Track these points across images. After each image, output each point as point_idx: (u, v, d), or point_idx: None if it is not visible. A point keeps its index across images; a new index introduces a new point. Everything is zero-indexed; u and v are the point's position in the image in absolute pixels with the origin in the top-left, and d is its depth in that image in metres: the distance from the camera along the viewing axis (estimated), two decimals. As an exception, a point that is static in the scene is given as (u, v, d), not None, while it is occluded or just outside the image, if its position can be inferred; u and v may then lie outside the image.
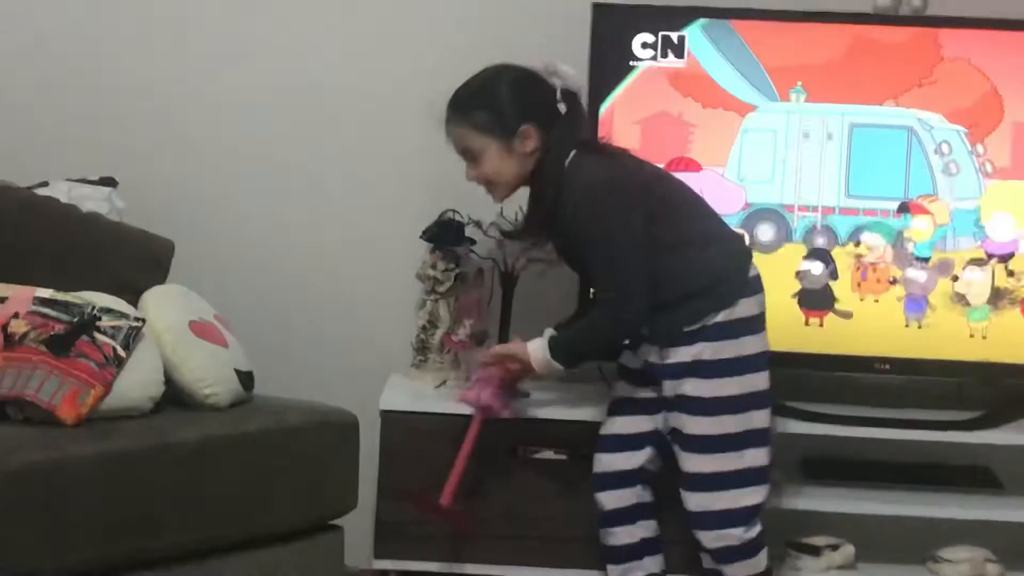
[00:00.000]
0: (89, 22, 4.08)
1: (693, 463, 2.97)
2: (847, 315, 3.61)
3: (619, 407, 3.20)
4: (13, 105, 4.00)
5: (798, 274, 3.59)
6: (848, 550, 3.54)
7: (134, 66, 4.09)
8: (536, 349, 3.00)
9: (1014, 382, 3.67)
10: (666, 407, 3.05)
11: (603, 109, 3.57)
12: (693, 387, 2.96)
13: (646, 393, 3.10)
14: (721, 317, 2.95)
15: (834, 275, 3.59)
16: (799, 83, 3.57)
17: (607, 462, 3.16)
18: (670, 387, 3.01)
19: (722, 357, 2.95)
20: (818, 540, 3.56)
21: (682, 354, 2.96)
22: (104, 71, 4.06)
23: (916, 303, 3.59)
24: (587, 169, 2.98)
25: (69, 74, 4.06)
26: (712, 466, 2.94)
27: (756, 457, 2.98)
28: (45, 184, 3.52)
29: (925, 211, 3.58)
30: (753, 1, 3.69)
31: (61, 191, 3.49)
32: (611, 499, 3.15)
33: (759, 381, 3.01)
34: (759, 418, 3.01)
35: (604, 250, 2.89)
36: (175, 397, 3.11)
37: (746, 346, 2.99)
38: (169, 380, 3.09)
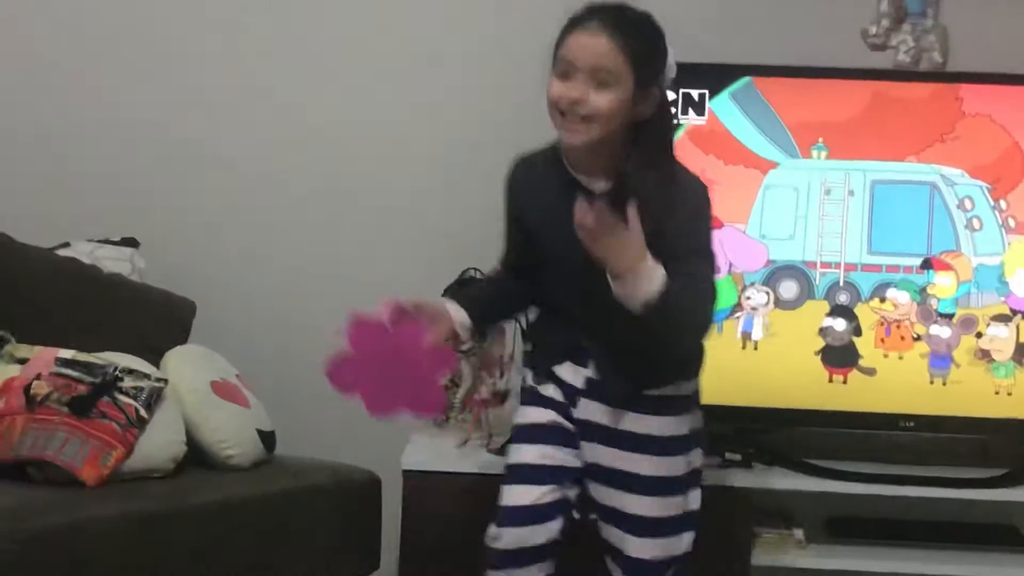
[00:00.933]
0: (110, 84, 4.09)
1: (637, 505, 2.64)
2: (871, 372, 3.60)
3: (535, 433, 2.75)
4: (34, 165, 4.02)
5: (821, 331, 3.58)
6: None
7: (154, 126, 4.07)
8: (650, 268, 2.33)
9: None
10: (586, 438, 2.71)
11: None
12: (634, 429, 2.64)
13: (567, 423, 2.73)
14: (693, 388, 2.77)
15: (857, 332, 3.58)
16: (820, 140, 3.57)
17: (520, 495, 2.71)
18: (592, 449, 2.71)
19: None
20: None
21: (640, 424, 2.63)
22: (124, 132, 4.06)
23: (940, 360, 3.58)
24: (688, 170, 2.65)
25: (88, 134, 4.05)
26: (657, 510, 2.65)
27: (696, 499, 2.74)
28: (67, 245, 3.54)
29: (948, 267, 3.57)
30: (772, 57, 3.72)
31: (83, 252, 3.52)
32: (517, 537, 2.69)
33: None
34: (698, 460, 2.77)
35: (705, 256, 2.47)
36: (197, 457, 3.12)
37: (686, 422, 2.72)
38: (191, 440, 3.10)
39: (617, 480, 2.64)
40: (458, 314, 2.69)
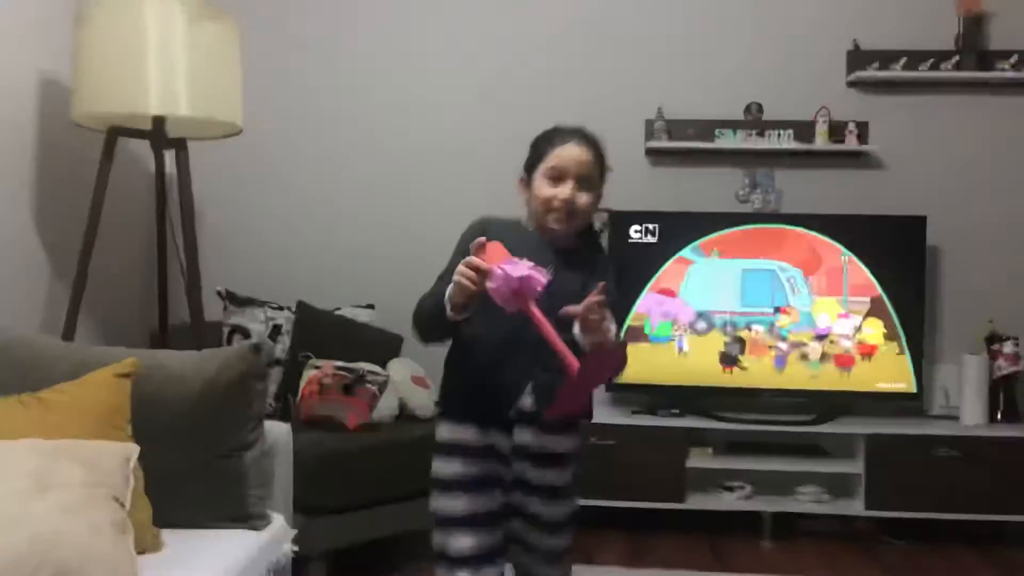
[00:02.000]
0: (360, 182, 3.95)
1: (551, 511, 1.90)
2: (744, 368, 3.76)
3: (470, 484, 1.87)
4: (318, 252, 3.96)
5: (725, 345, 3.76)
6: (749, 490, 3.68)
7: (389, 219, 3.94)
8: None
9: (830, 400, 3.75)
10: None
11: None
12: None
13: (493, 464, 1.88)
14: None
15: (741, 347, 3.80)
16: (715, 249, 3.78)
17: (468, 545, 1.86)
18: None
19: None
20: (732, 483, 3.68)
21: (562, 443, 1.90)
22: (366, 222, 3.95)
23: (781, 360, 3.77)
24: None
25: (352, 227, 3.96)
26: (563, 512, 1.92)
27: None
28: (339, 308, 3.65)
29: (786, 312, 3.78)
30: (690, 204, 3.85)
31: (347, 312, 3.65)
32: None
33: None
34: None
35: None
36: (404, 414, 3.27)
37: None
38: (401, 407, 3.27)
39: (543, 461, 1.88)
40: None
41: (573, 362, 1.56)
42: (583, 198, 1.87)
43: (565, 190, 1.84)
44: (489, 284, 1.62)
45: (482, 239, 1.71)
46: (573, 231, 1.89)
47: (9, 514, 1.54)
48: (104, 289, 3.40)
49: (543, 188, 1.86)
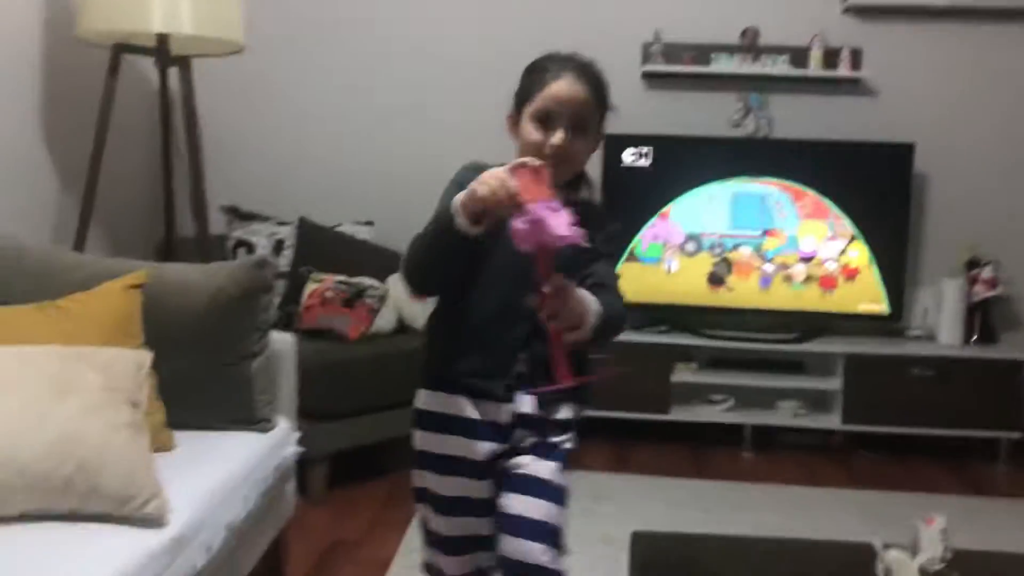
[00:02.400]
0: (364, 106, 4.01)
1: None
2: (730, 288, 3.83)
3: (453, 506, 1.63)
4: (320, 169, 4.01)
5: (714, 265, 3.83)
6: (731, 403, 3.81)
7: (389, 138, 3.99)
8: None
9: (812, 320, 3.86)
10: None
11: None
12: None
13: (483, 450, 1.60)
14: None
15: (728, 268, 3.87)
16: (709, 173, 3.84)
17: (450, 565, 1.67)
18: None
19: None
20: (715, 396, 3.81)
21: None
22: (366, 141, 4.00)
23: (766, 280, 3.86)
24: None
25: (354, 145, 4.00)
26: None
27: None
28: (340, 224, 3.70)
29: (773, 235, 3.85)
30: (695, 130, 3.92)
31: (347, 229, 3.71)
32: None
33: None
34: None
35: (614, 269, 1.64)
36: (402, 326, 3.35)
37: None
38: (399, 319, 3.35)
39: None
40: None
41: (564, 379, 1.37)
42: (577, 145, 1.55)
43: (556, 136, 1.52)
44: (517, 222, 1.34)
45: (528, 159, 1.41)
46: (562, 180, 1.55)
47: (34, 415, 1.65)
48: (112, 203, 3.48)
49: (531, 132, 1.55)
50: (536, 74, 1.57)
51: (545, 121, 1.54)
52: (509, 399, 1.59)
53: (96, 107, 3.03)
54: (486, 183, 1.39)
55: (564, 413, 1.64)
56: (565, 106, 1.53)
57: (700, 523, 2.92)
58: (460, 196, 1.44)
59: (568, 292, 1.39)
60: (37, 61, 3.03)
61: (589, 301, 1.45)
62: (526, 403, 1.60)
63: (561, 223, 1.33)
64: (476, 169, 1.48)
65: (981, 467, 3.67)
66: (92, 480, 1.60)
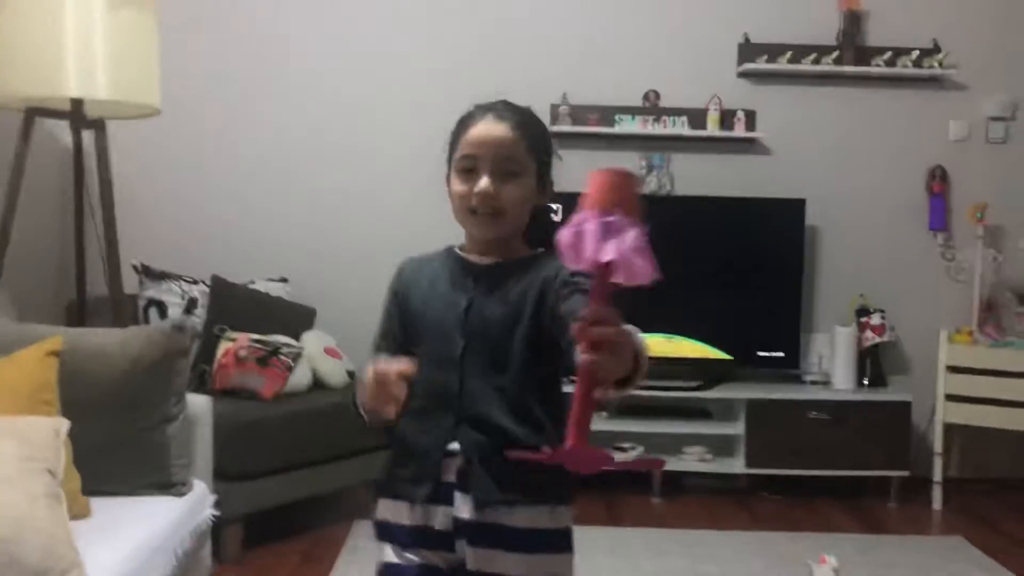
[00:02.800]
0: (272, 158, 4.02)
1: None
2: None
3: None
4: (232, 227, 4.01)
5: None
6: (640, 450, 3.85)
7: (300, 194, 4.01)
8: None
9: (715, 367, 3.97)
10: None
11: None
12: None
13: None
14: None
15: None
16: None
17: None
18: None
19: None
20: (624, 444, 3.84)
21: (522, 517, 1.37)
22: (277, 198, 4.02)
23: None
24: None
25: (266, 202, 4.02)
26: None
27: None
28: (253, 281, 3.69)
29: None
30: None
31: (261, 285, 3.70)
32: None
33: None
34: None
35: None
36: (317, 383, 3.33)
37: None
38: (314, 377, 3.35)
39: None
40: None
41: (570, 439, 1.02)
42: (508, 192, 1.36)
43: (480, 183, 1.36)
44: (562, 230, 1.04)
45: (618, 168, 1.07)
46: (501, 235, 1.40)
47: (-51, 487, 1.65)
48: (21, 265, 3.41)
49: (456, 184, 1.40)
50: (460, 124, 1.44)
51: (469, 171, 1.39)
52: (444, 500, 1.38)
53: (5, 170, 3.00)
54: (365, 382, 1.28)
55: (525, 518, 1.35)
56: (486, 148, 1.38)
57: (614, 570, 3.04)
58: (358, 391, 1.34)
59: (617, 321, 1.01)
60: (-56, 123, 3.00)
61: (638, 339, 1.08)
62: (466, 506, 1.37)
63: (609, 244, 0.99)
64: (400, 267, 1.48)
65: (875, 505, 3.83)
66: (10, 552, 1.61)
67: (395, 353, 1.38)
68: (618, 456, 3.80)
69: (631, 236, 1.00)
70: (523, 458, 1.09)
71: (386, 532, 1.45)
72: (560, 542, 1.40)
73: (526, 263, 1.40)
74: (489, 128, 1.38)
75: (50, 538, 1.67)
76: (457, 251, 1.48)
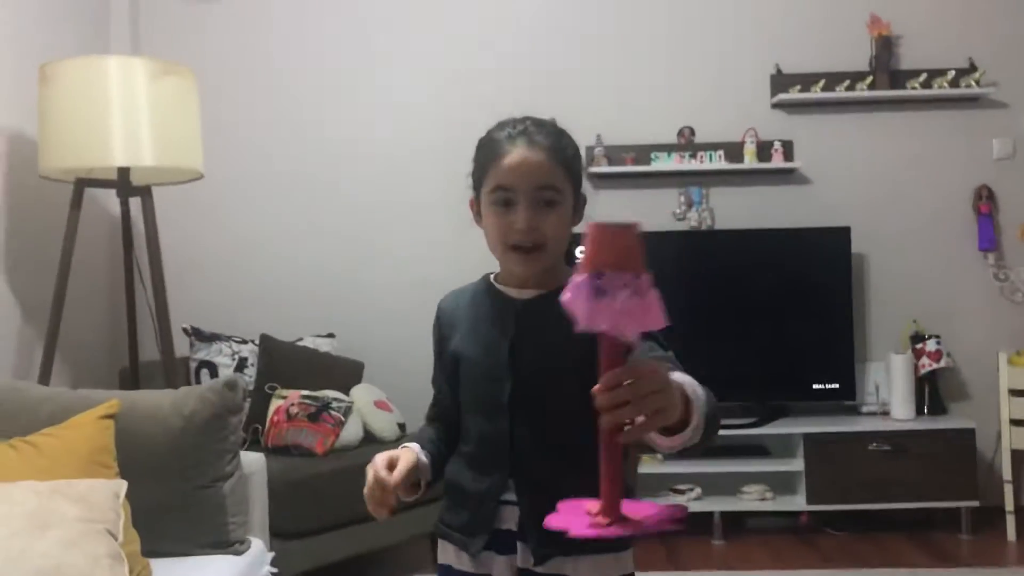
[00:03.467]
0: (318, 227, 4.06)
1: None
2: None
3: None
4: (279, 285, 4.06)
5: None
6: (698, 492, 3.81)
7: (346, 251, 4.06)
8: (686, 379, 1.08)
9: (771, 403, 3.95)
10: None
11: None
12: None
13: None
14: None
15: None
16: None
17: None
18: None
19: None
20: (682, 486, 3.80)
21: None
22: (323, 255, 4.07)
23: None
24: None
25: (312, 259, 4.06)
26: None
27: None
28: (301, 339, 3.75)
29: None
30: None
31: (309, 342, 3.75)
32: None
33: None
34: None
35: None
36: (368, 437, 3.30)
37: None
38: (365, 430, 3.32)
39: None
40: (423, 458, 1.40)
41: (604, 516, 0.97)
42: (550, 222, 1.28)
43: (520, 219, 1.27)
44: (566, 291, 0.98)
45: (629, 222, 1.01)
46: (543, 266, 1.30)
47: (14, 552, 1.67)
48: (75, 333, 3.51)
49: (491, 218, 1.31)
50: (486, 148, 1.34)
51: (505, 204, 1.29)
52: (504, 549, 1.33)
53: (57, 240, 3.09)
54: (368, 474, 1.30)
55: (590, 568, 1.30)
56: (523, 179, 1.28)
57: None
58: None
59: (637, 374, 0.93)
60: (0, 197, 3.11)
61: (687, 384, 1.04)
62: (526, 555, 1.32)
63: (601, 308, 0.94)
64: (449, 309, 1.43)
65: (945, 538, 3.71)
66: (75, 614, 1.61)
67: (446, 401, 1.42)
68: (673, 499, 3.78)
69: (622, 297, 0.94)
70: (559, 528, 0.99)
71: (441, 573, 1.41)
72: None
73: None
74: (525, 156, 1.28)
75: (113, 599, 1.67)
76: (495, 283, 1.40)
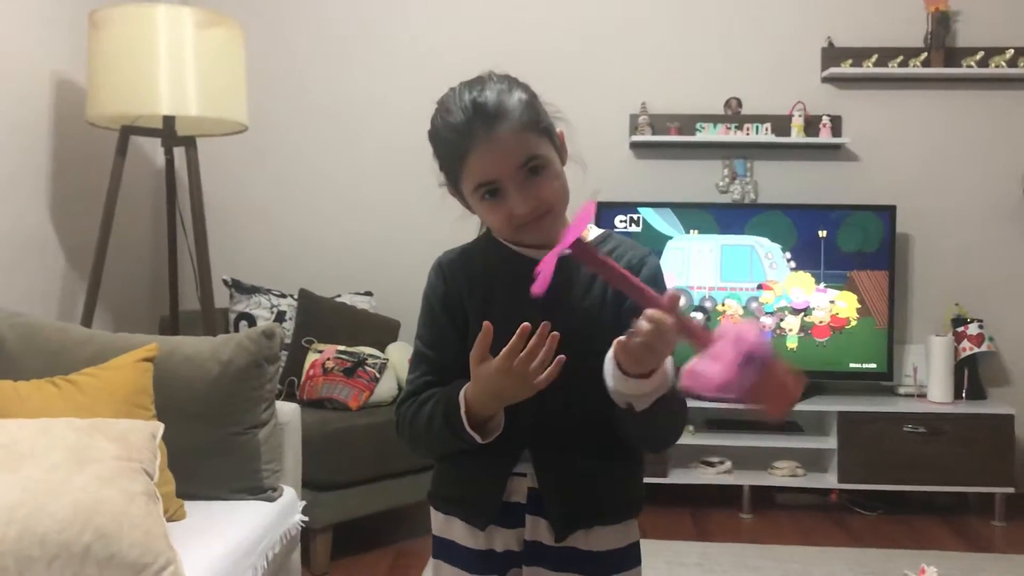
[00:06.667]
0: (357, 187, 4.15)
1: None
2: None
3: None
4: (319, 242, 4.08)
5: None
6: (728, 465, 3.79)
7: (386, 209, 4.07)
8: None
9: (807, 378, 3.83)
10: None
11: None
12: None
13: None
14: None
15: (710, 319, 3.92)
16: (695, 229, 3.94)
17: None
18: None
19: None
20: (712, 459, 3.80)
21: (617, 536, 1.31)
22: (364, 213, 4.08)
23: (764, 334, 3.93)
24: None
25: (353, 217, 4.07)
26: None
27: None
28: (339, 295, 3.76)
29: (769, 288, 3.91)
30: (678, 196, 4.03)
31: (347, 299, 3.75)
32: None
33: None
34: None
35: None
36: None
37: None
38: (399, 387, 3.25)
39: None
40: None
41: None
42: (545, 185, 1.20)
43: (516, 205, 1.19)
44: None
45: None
46: (558, 229, 1.19)
47: (53, 484, 1.69)
48: (117, 279, 3.55)
49: (488, 213, 1.23)
50: (444, 147, 1.25)
51: (494, 194, 1.21)
52: (517, 522, 1.29)
53: (102, 186, 3.12)
54: (487, 383, 1.15)
55: (601, 540, 1.27)
56: (501, 167, 1.18)
57: (703, 584, 2.95)
58: (470, 395, 1.17)
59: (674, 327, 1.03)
60: (47, 144, 3.15)
61: (668, 364, 1.12)
62: (541, 528, 1.28)
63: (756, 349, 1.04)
64: (439, 268, 1.34)
65: (978, 523, 3.67)
66: (110, 548, 1.64)
67: (451, 365, 1.26)
68: (703, 470, 3.78)
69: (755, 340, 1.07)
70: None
71: (445, 550, 1.35)
72: (632, 557, 1.33)
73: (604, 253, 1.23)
74: (489, 147, 1.17)
75: (147, 535, 1.69)
76: (507, 244, 1.29)
